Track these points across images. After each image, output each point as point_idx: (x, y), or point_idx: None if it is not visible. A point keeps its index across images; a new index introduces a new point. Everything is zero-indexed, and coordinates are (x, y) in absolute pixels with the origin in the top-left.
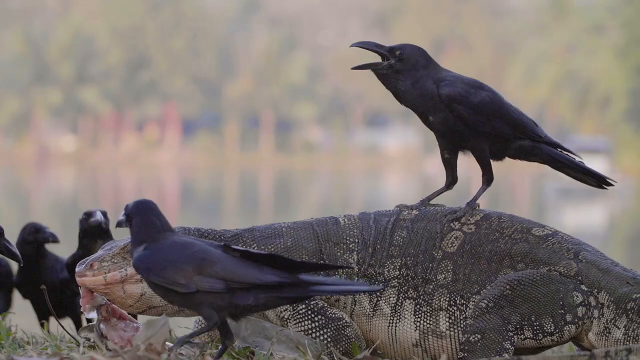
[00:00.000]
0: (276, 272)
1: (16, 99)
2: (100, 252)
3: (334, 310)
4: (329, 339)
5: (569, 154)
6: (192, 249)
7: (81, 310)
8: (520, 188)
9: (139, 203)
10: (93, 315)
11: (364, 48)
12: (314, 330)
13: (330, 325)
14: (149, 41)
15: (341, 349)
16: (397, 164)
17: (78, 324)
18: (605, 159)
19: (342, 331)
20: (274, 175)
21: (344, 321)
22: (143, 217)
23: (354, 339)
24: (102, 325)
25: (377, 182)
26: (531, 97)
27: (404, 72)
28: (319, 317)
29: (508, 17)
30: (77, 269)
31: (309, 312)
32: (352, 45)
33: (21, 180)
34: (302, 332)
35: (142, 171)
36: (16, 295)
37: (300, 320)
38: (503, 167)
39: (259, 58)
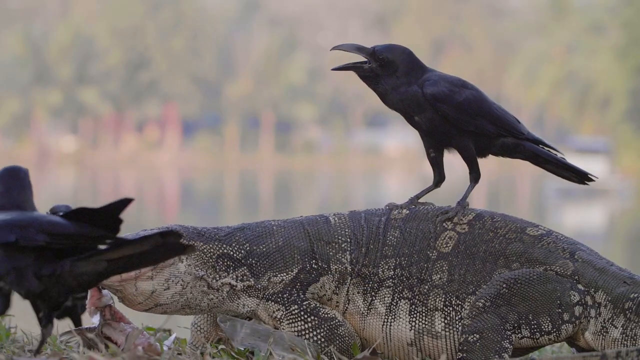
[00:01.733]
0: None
1: (16, 99)
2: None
3: (326, 310)
4: (322, 339)
5: (550, 150)
6: (26, 212)
7: (87, 310)
8: (521, 188)
9: (5, 170)
10: (96, 319)
11: (345, 51)
12: (307, 331)
13: (323, 326)
14: (148, 42)
15: (335, 348)
16: (397, 165)
17: (77, 324)
18: (605, 159)
19: (336, 331)
20: (274, 175)
21: (336, 321)
22: (4, 184)
23: (347, 338)
24: (104, 329)
25: (377, 183)
26: (531, 97)
27: (384, 77)
28: (312, 317)
29: (508, 17)
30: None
31: (302, 313)
32: (332, 49)
33: None
34: (295, 333)
35: (142, 172)
36: (16, 296)
37: (293, 320)
38: (503, 168)
39: (259, 58)
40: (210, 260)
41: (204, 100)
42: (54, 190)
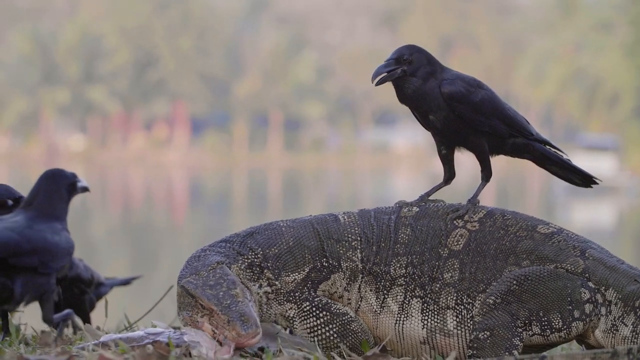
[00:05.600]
0: None
1: (24, 98)
2: (253, 311)
3: (338, 306)
4: (335, 335)
5: (557, 151)
6: None
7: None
8: (530, 185)
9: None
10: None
11: (383, 79)
12: (319, 327)
13: (335, 321)
14: (156, 40)
15: (347, 344)
16: (406, 163)
17: (86, 322)
18: (613, 156)
19: (348, 326)
20: (283, 174)
21: (349, 316)
22: None
23: (360, 334)
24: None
25: (385, 181)
26: (539, 95)
27: (416, 73)
28: (324, 313)
29: (515, 15)
30: (252, 330)
31: (313, 309)
32: (373, 80)
33: (30, 179)
34: (308, 330)
35: (151, 170)
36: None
37: (305, 317)
38: (512, 165)
39: (267, 57)
40: (247, 273)
41: (213, 98)
42: None
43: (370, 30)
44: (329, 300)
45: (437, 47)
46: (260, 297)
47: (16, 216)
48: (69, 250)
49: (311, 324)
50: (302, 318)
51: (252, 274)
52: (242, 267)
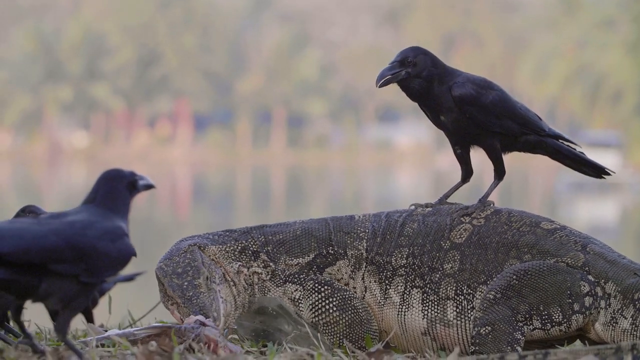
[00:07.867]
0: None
1: (27, 96)
2: (219, 296)
3: (342, 285)
4: (335, 308)
5: (570, 145)
6: None
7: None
8: (533, 182)
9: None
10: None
11: (387, 81)
12: (320, 301)
13: (336, 295)
14: (159, 38)
15: (347, 318)
16: (409, 160)
17: (89, 319)
18: (616, 153)
19: (349, 302)
20: (286, 171)
21: (351, 293)
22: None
23: (361, 312)
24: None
25: (388, 178)
26: (542, 92)
27: (420, 75)
28: (325, 287)
29: (518, 12)
30: (211, 323)
31: (316, 285)
32: (381, 87)
33: (33, 177)
34: (310, 306)
35: (154, 167)
36: None
37: (309, 294)
38: (516, 161)
39: (270, 54)
40: (230, 254)
41: (216, 95)
42: (66, 186)
43: (373, 27)
44: (333, 280)
45: (440, 45)
46: (248, 277)
47: (78, 214)
48: (123, 260)
49: (314, 299)
50: (306, 296)
51: (240, 255)
52: (227, 249)
